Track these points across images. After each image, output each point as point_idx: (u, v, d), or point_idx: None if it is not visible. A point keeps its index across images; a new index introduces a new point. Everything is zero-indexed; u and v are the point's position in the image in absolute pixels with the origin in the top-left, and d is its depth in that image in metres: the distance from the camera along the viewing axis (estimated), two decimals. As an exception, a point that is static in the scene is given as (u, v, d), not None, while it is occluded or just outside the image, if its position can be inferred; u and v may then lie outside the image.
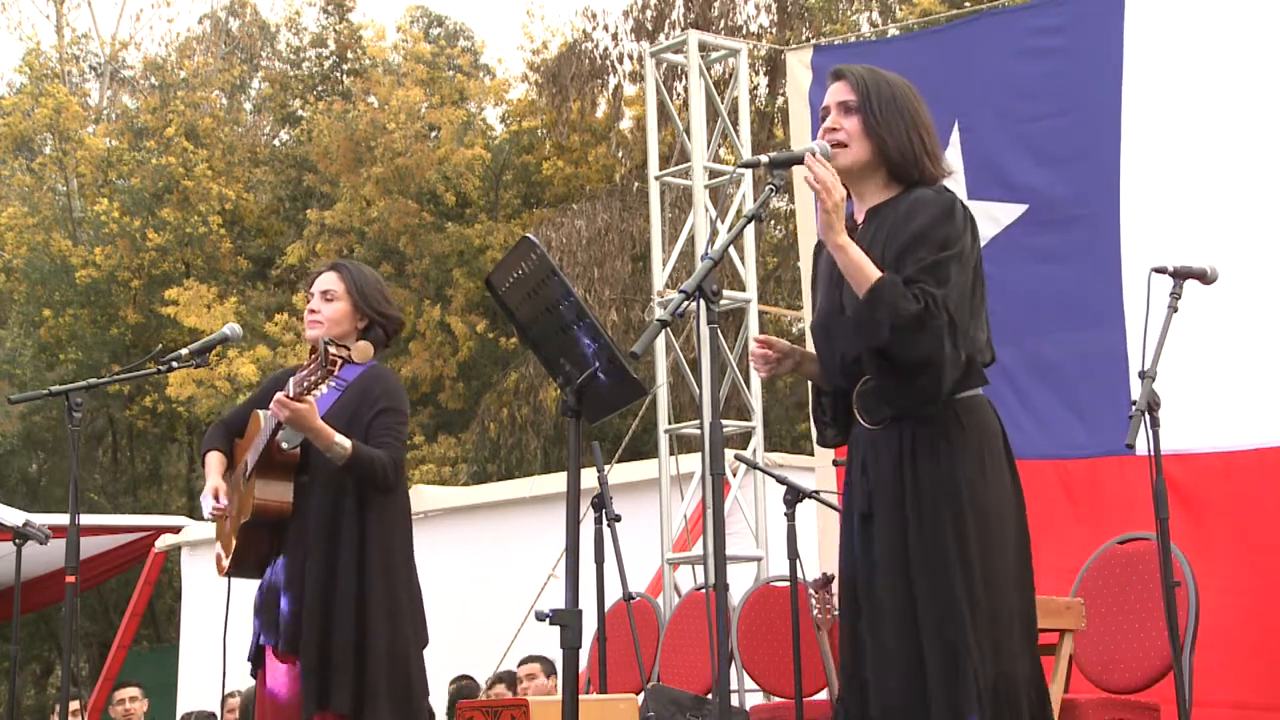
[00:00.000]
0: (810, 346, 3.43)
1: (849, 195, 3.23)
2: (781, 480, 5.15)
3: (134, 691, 9.05)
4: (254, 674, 4.15)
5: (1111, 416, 5.60)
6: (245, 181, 20.77)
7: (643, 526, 7.16)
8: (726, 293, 7.31)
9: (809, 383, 3.44)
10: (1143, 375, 3.76)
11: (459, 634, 8.25)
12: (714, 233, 7.40)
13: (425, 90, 18.75)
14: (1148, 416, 3.70)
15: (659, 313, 4.26)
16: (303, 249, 18.72)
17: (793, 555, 4.93)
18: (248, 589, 4.20)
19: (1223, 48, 5.83)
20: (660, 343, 7.44)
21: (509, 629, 8.20)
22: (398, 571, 4.05)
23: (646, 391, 4.13)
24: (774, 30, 16.45)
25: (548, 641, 3.95)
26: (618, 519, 5.29)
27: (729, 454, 6.69)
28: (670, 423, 7.55)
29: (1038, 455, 5.78)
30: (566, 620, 2.92)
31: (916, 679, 2.95)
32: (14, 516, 6.20)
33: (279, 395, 3.84)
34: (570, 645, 2.91)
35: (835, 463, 6.03)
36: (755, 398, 7.59)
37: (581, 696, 3.18)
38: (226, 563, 4.20)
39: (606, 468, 5.50)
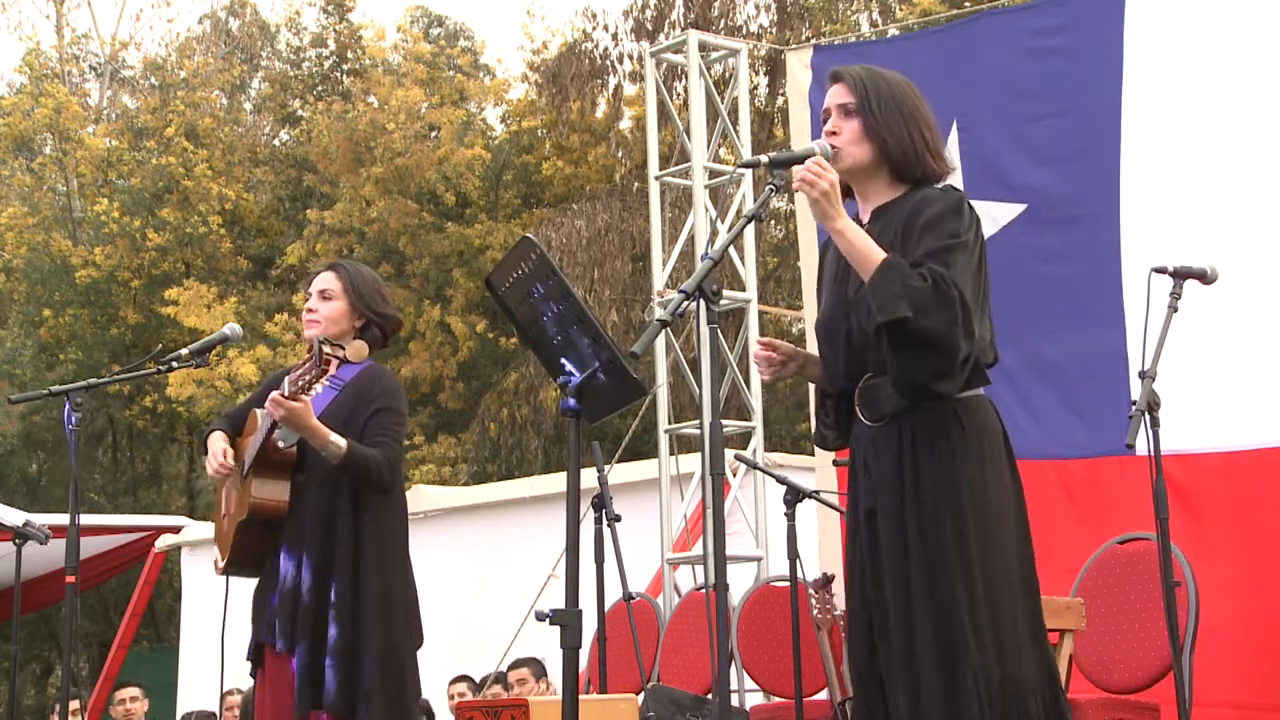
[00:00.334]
0: (812, 347, 3.42)
1: (853, 196, 3.23)
2: (781, 480, 5.15)
3: (134, 691, 9.04)
4: (253, 673, 4.16)
5: (1111, 416, 5.60)
6: (245, 181, 20.76)
7: (643, 526, 7.16)
8: (726, 293, 7.31)
9: (810, 384, 3.43)
10: (1143, 375, 3.76)
11: (459, 634, 8.26)
12: (714, 233, 7.40)
13: (425, 90, 18.74)
14: (1148, 416, 3.70)
15: (659, 313, 4.26)
16: (303, 249, 18.71)
17: (793, 555, 4.93)
18: (247, 588, 4.21)
19: (1223, 48, 5.82)
20: (660, 343, 7.44)
21: (509, 629, 8.20)
22: (393, 571, 4.06)
23: (646, 391, 4.13)
24: (774, 30, 16.43)
25: (548, 641, 3.94)
26: (618, 519, 5.29)
27: (729, 454, 6.69)
28: (670, 423, 7.55)
29: (1038, 455, 5.77)
30: (566, 620, 2.92)
31: (924, 678, 2.94)
32: (14, 516, 6.21)
33: (274, 394, 3.86)
34: (570, 645, 2.91)
35: (836, 463, 6.05)
36: (755, 398, 7.59)
37: (581, 696, 3.18)
38: (222, 561, 4.21)
39: (606, 468, 5.50)
